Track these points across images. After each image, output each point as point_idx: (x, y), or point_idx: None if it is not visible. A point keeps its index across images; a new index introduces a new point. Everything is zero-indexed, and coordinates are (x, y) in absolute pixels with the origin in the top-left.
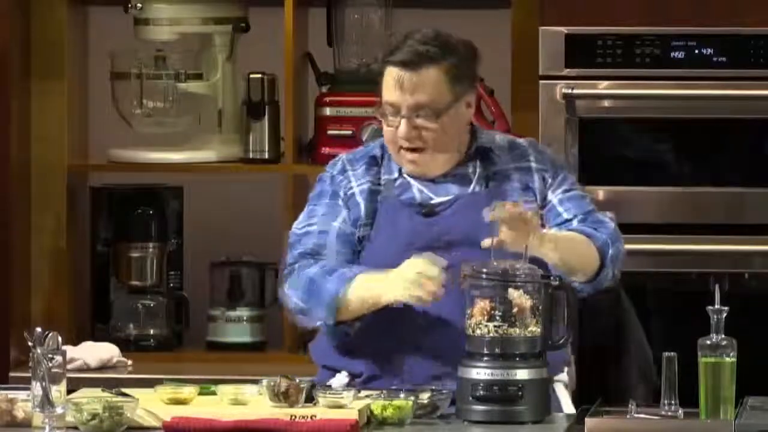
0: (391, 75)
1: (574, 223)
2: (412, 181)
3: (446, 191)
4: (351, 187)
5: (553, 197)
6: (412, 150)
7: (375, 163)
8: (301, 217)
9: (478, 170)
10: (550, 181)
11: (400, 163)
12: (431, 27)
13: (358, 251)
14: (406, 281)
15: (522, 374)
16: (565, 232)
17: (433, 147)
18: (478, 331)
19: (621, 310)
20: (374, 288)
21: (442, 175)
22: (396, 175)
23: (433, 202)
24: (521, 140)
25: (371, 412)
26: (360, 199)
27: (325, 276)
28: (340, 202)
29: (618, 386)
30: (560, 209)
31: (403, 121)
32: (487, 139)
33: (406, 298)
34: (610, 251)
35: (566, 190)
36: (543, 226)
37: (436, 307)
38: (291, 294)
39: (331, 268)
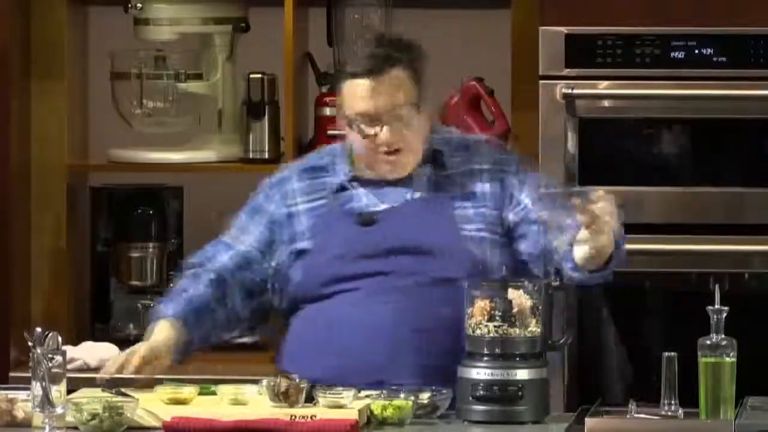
0: (357, 87)
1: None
2: (359, 189)
3: (390, 198)
4: (294, 204)
5: (524, 197)
6: (390, 153)
7: (320, 172)
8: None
9: (426, 174)
10: (512, 182)
11: (372, 169)
12: (379, 33)
13: (296, 260)
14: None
15: (522, 374)
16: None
17: (410, 147)
18: (478, 331)
19: (595, 309)
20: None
21: (390, 181)
22: (342, 180)
23: (374, 210)
24: (475, 139)
25: (371, 412)
26: (303, 218)
27: (165, 299)
28: (259, 219)
29: (597, 385)
30: (526, 210)
31: (386, 128)
32: (440, 141)
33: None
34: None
35: (536, 188)
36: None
37: (370, 315)
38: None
39: (171, 296)
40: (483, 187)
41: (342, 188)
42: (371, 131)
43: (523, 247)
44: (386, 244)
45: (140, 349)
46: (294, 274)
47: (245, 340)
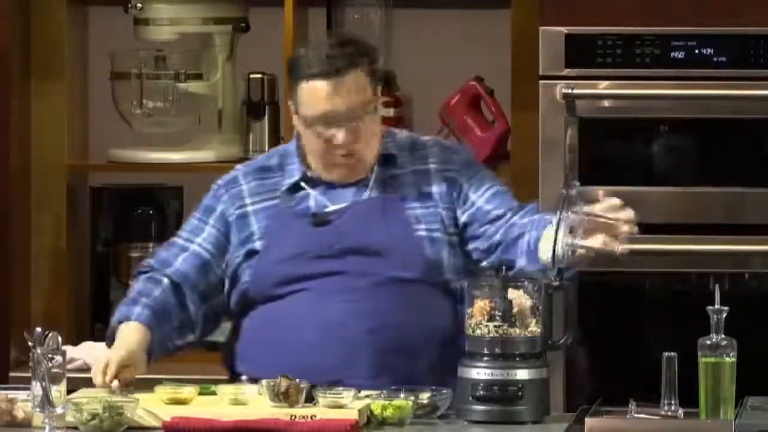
0: (315, 88)
1: (515, 218)
2: (309, 189)
3: (343, 198)
4: (244, 205)
5: (476, 197)
6: (346, 155)
7: (270, 173)
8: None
9: (379, 175)
10: (463, 182)
11: (328, 172)
12: (332, 34)
13: (247, 262)
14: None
15: (522, 374)
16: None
17: (366, 149)
18: (478, 331)
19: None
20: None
21: (340, 184)
22: (295, 179)
23: (327, 210)
24: (426, 140)
25: (371, 412)
26: (253, 219)
27: (126, 302)
28: (210, 221)
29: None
30: (488, 207)
31: (342, 130)
32: (392, 142)
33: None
34: None
35: (488, 188)
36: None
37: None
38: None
39: (136, 299)
40: (434, 187)
41: (294, 188)
42: (329, 133)
43: (476, 246)
44: (339, 244)
45: (117, 356)
46: (245, 275)
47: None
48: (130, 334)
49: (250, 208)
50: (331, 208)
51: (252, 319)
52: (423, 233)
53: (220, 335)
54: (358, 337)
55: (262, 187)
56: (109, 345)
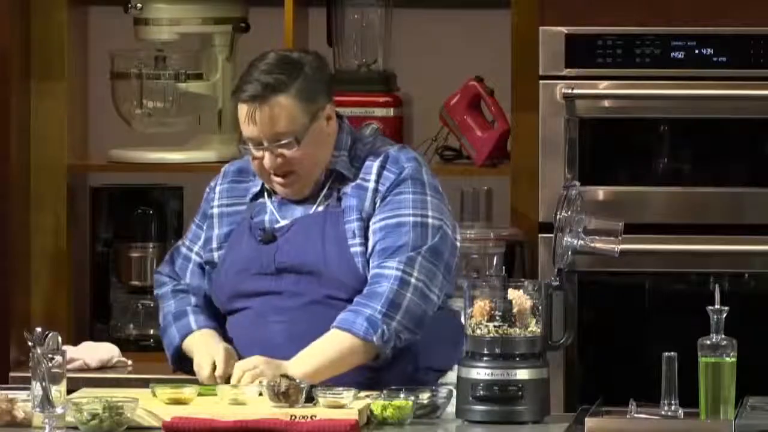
0: (243, 111)
1: (375, 261)
2: (268, 201)
3: (292, 213)
4: (212, 206)
5: (375, 223)
6: (282, 175)
7: (246, 176)
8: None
9: (325, 190)
10: (378, 203)
11: (272, 189)
12: (275, 51)
13: (207, 270)
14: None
15: (522, 374)
16: (313, 353)
17: (301, 171)
18: (478, 331)
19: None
20: (194, 354)
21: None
22: (259, 188)
23: (277, 225)
24: (376, 150)
25: (371, 412)
26: (217, 222)
27: (174, 321)
28: (204, 226)
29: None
30: (375, 238)
31: (267, 154)
32: (342, 158)
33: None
34: (378, 334)
35: (389, 218)
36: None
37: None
38: (159, 308)
39: (182, 312)
40: (366, 201)
41: (257, 197)
42: (258, 154)
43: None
44: (276, 263)
45: (221, 351)
46: (205, 283)
47: None
48: (206, 339)
49: (215, 210)
50: (280, 223)
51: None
52: (358, 248)
53: None
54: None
55: (233, 191)
56: (175, 369)
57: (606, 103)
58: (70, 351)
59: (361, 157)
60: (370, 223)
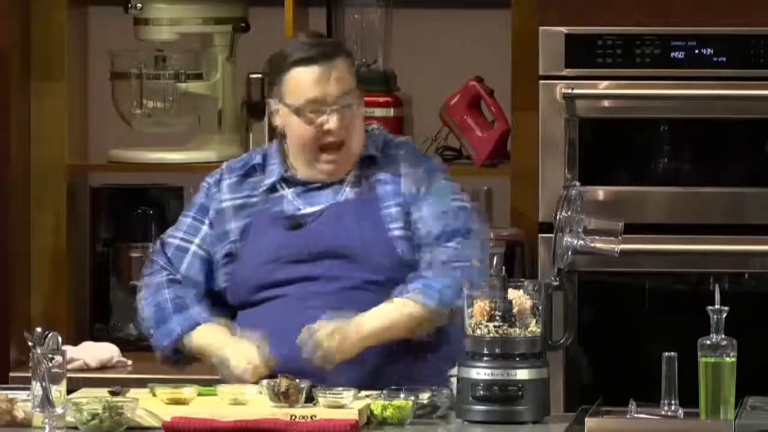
0: (307, 73)
1: (439, 248)
2: (286, 190)
3: (318, 200)
4: (222, 200)
5: (425, 210)
6: (330, 150)
7: (253, 171)
8: (176, 224)
9: (353, 176)
10: (422, 190)
11: (311, 169)
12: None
13: (224, 265)
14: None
15: (522, 374)
16: (381, 321)
17: (351, 143)
18: (478, 331)
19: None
20: (212, 349)
21: (317, 184)
22: (273, 180)
23: (302, 212)
24: (399, 140)
25: (371, 412)
26: (230, 215)
27: (174, 312)
28: (206, 220)
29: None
30: (429, 225)
31: (334, 114)
32: (371, 143)
33: (234, 378)
34: (447, 306)
35: (439, 204)
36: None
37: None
38: (143, 307)
39: (182, 303)
40: (403, 187)
41: (272, 189)
42: (319, 120)
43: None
44: (312, 248)
45: (255, 345)
46: (221, 279)
47: None
48: (217, 331)
49: (226, 204)
50: (307, 210)
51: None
52: (397, 232)
53: None
54: None
55: (242, 185)
56: (167, 360)
57: (606, 103)
58: (70, 351)
59: (389, 146)
60: (414, 210)
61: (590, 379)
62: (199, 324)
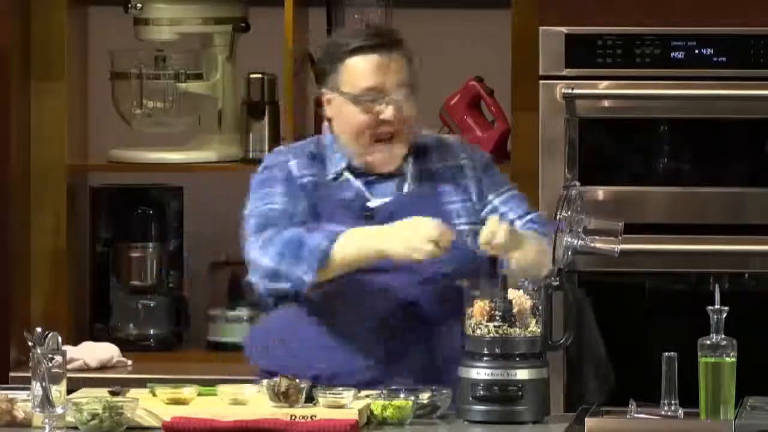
0: (366, 61)
1: (518, 223)
2: (352, 179)
3: (383, 191)
4: (299, 176)
5: (494, 197)
6: (383, 141)
7: (313, 158)
8: (253, 202)
9: (411, 169)
10: (485, 180)
11: (366, 156)
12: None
13: None
14: (409, 239)
15: (522, 374)
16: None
17: (404, 133)
18: (478, 331)
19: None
20: (371, 243)
21: (380, 175)
22: (339, 168)
23: (370, 204)
24: (449, 138)
25: (371, 412)
26: (304, 194)
27: (308, 233)
28: (289, 195)
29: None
30: (504, 209)
31: (389, 106)
32: (421, 137)
33: (409, 255)
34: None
35: (506, 190)
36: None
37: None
38: (261, 256)
39: (312, 227)
40: (467, 181)
41: (336, 178)
42: (377, 108)
43: None
44: None
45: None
46: None
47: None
48: (364, 229)
49: (304, 180)
50: (375, 201)
51: (293, 312)
52: (462, 227)
53: (232, 335)
54: (411, 335)
55: (311, 167)
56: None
57: (606, 103)
58: (70, 351)
59: (442, 140)
60: (489, 200)
61: (590, 380)
62: (339, 234)
